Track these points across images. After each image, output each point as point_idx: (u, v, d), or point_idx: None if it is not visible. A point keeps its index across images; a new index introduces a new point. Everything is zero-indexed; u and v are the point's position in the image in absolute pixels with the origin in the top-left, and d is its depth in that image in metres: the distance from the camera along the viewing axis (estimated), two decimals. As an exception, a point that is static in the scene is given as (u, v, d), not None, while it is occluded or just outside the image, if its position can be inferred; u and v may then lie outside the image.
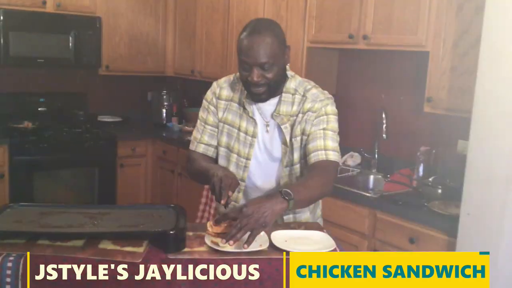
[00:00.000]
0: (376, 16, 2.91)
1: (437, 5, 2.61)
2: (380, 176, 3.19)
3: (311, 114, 1.85)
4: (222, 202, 1.66)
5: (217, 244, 1.54)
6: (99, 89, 4.66)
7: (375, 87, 3.40)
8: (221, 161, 1.97)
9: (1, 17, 3.78)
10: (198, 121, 2.02)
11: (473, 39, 2.44)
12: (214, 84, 1.99)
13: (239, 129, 1.92)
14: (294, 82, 1.90)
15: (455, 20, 2.53)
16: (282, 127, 1.87)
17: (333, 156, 1.83)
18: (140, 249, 1.50)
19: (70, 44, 4.08)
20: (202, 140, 1.98)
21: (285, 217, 1.93)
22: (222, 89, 1.96)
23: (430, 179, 2.70)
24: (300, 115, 1.86)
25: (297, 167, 1.91)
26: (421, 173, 2.85)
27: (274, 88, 1.82)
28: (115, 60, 4.41)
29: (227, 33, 3.98)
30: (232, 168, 1.92)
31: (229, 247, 1.52)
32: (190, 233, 1.64)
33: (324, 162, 1.81)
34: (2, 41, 3.80)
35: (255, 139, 1.90)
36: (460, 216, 2.19)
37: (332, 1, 3.15)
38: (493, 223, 2.06)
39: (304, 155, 1.88)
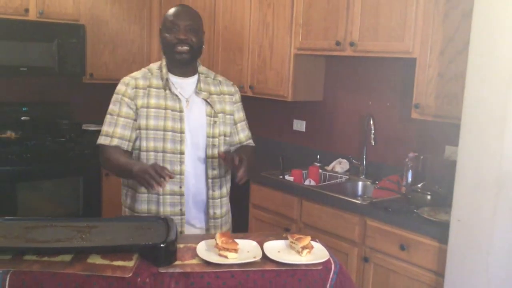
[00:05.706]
0: (362, 23, 2.91)
1: (424, 12, 2.62)
2: (368, 183, 3.19)
3: (229, 97, 2.22)
4: (168, 179, 1.79)
5: (226, 257, 1.52)
6: (83, 98, 4.58)
7: (362, 94, 3.40)
8: (155, 144, 2.07)
9: (-17, 26, 3.71)
10: (108, 116, 2.14)
11: (460, 46, 2.45)
12: (126, 78, 2.16)
13: (165, 108, 2.08)
14: (202, 68, 2.22)
15: (442, 27, 2.54)
16: (208, 100, 2.14)
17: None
18: (130, 263, 1.46)
19: (53, 53, 4.01)
20: (115, 133, 2.10)
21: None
22: (137, 79, 2.13)
23: (419, 186, 2.69)
24: (222, 95, 2.20)
25: (220, 139, 2.15)
26: (409, 179, 2.84)
27: (196, 53, 2.10)
28: (100, 68, 4.36)
29: (213, 41, 3.95)
30: (169, 144, 2.07)
31: (235, 260, 1.52)
32: (181, 245, 1.61)
33: (254, 148, 2.37)
34: (-17, 50, 3.73)
35: (183, 113, 2.09)
36: (450, 222, 2.18)
37: (318, 8, 3.15)
38: (484, 229, 2.05)
39: (225, 133, 2.18)
